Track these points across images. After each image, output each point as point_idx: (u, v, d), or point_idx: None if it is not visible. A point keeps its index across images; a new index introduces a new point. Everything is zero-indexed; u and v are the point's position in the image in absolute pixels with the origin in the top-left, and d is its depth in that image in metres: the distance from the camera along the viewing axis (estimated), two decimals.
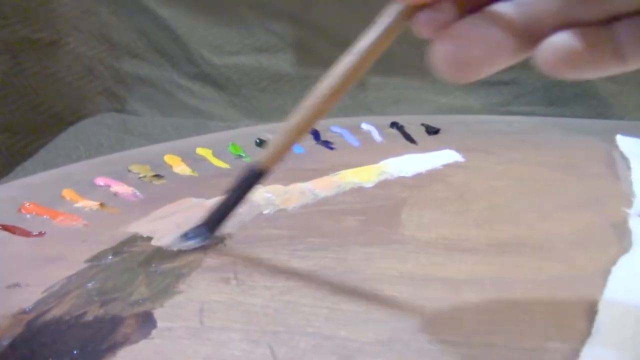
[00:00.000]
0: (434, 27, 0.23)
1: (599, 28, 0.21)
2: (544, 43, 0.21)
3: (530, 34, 0.21)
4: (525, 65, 0.64)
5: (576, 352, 0.26)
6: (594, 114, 0.66)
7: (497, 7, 0.22)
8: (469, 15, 0.22)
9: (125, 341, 0.27)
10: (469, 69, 0.22)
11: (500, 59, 0.22)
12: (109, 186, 0.43)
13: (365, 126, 0.56)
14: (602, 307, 0.29)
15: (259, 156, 0.31)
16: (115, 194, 0.42)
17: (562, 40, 0.20)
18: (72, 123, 0.63)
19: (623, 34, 0.20)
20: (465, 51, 0.22)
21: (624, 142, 0.52)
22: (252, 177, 0.32)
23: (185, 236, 0.34)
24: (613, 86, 0.66)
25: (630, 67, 0.21)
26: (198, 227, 0.34)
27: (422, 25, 0.23)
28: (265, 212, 0.39)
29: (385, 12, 0.25)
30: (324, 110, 0.29)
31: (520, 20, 0.21)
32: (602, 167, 0.48)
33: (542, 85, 0.67)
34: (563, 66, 0.21)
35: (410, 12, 0.24)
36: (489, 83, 0.68)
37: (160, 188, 0.43)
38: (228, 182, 0.39)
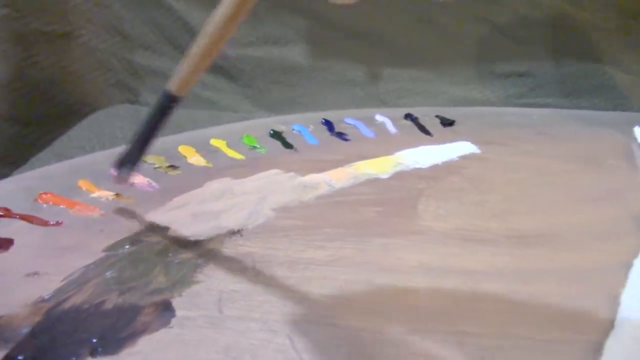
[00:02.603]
0: None
1: None
2: None
3: None
4: (541, 57, 0.63)
5: (596, 344, 0.26)
6: (611, 106, 0.65)
7: None
8: None
9: (145, 329, 0.27)
10: None
11: None
12: None
13: (379, 118, 0.56)
14: (624, 299, 0.29)
15: (169, 82, 0.33)
16: (131, 184, 0.42)
17: None
18: (85, 115, 0.63)
19: None
20: None
21: None
22: (166, 101, 0.33)
23: (114, 169, 0.35)
24: (630, 78, 0.65)
25: None
26: (121, 160, 0.35)
27: None
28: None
29: None
30: (224, 36, 0.30)
31: None
32: (620, 160, 0.48)
33: (559, 77, 0.66)
34: None
35: None
36: (504, 75, 0.67)
37: (175, 178, 0.43)
38: (242, 173, 0.39)
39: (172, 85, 0.33)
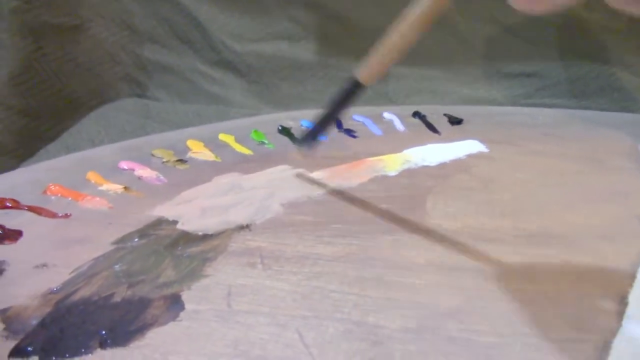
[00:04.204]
0: None
1: None
2: None
3: None
4: (549, 57, 0.63)
5: (606, 343, 0.26)
6: (618, 107, 0.65)
7: None
8: None
9: (154, 323, 0.27)
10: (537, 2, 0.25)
11: None
12: (133, 170, 0.43)
13: (387, 115, 0.56)
14: (632, 300, 0.29)
15: (357, 68, 0.34)
16: (139, 178, 0.42)
17: None
18: (93, 108, 0.63)
19: None
20: None
21: None
22: (352, 87, 0.34)
23: (297, 141, 0.40)
24: (637, 79, 0.65)
25: None
26: (303, 136, 0.38)
27: None
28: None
29: None
30: (414, 33, 0.31)
31: None
32: (626, 161, 0.47)
33: (566, 77, 0.66)
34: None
35: None
36: (511, 75, 0.67)
37: (184, 173, 0.43)
38: (250, 168, 0.39)
39: (360, 74, 0.34)
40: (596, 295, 0.30)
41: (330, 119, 0.37)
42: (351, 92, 0.35)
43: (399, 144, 0.48)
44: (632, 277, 0.31)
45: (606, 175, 0.45)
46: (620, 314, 0.28)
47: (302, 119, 0.54)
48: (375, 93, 0.67)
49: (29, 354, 0.25)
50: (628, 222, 0.37)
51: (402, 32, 0.32)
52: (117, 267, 0.31)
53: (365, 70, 0.34)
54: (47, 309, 0.28)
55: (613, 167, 0.46)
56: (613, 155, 0.48)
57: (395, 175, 0.43)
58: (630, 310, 0.28)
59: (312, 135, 0.37)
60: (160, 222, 0.36)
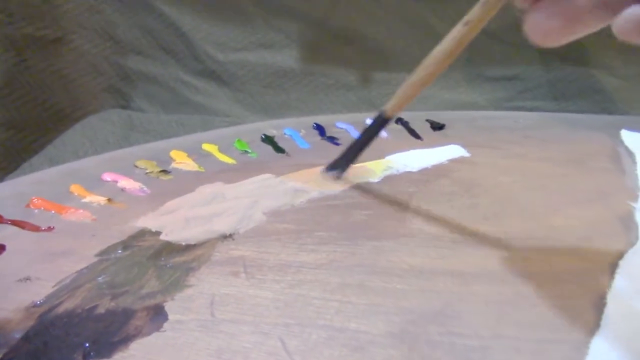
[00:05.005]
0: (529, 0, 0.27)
1: None
2: (621, 14, 0.24)
3: (608, 8, 0.25)
4: (530, 60, 0.63)
5: (584, 343, 0.26)
6: (599, 109, 0.66)
7: None
8: None
9: (138, 333, 0.27)
10: (554, 36, 0.27)
11: (579, 29, 0.26)
12: (116, 181, 0.43)
13: (370, 122, 0.56)
14: (610, 300, 0.29)
15: (386, 105, 0.39)
16: (123, 189, 0.42)
17: (637, 12, 0.24)
18: (77, 120, 0.63)
19: None
20: (551, 22, 0.26)
21: (628, 136, 0.53)
22: (379, 121, 0.40)
23: (326, 169, 0.43)
24: (617, 81, 0.66)
25: None
26: (333, 163, 0.43)
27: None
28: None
29: None
30: (439, 69, 0.35)
31: None
32: (607, 162, 0.48)
33: (546, 80, 0.67)
34: (638, 34, 0.24)
35: None
36: (493, 78, 0.68)
37: (167, 183, 0.44)
38: (233, 177, 0.40)
39: (388, 108, 0.39)
40: (575, 297, 0.30)
41: (360, 148, 0.42)
42: (379, 125, 0.40)
43: (381, 150, 0.49)
44: (611, 278, 0.31)
45: (588, 177, 0.45)
46: (599, 315, 0.28)
47: (285, 127, 0.54)
48: (359, 99, 0.67)
49: None
50: (609, 223, 0.38)
51: (426, 68, 0.35)
52: (100, 278, 0.31)
53: (392, 104, 0.39)
54: (31, 323, 0.28)
55: (594, 168, 0.47)
56: (594, 157, 0.49)
57: (378, 182, 0.43)
58: (607, 311, 0.29)
59: (341, 163, 0.43)
60: (143, 233, 0.36)
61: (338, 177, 0.43)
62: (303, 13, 0.66)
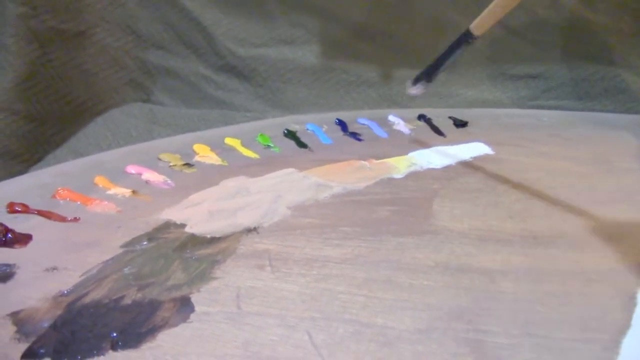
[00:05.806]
0: None
1: None
2: None
3: None
4: (554, 59, 0.63)
5: (615, 342, 0.26)
6: (623, 109, 0.65)
7: None
8: None
9: (165, 324, 0.27)
10: None
11: None
12: (140, 174, 0.43)
13: (392, 118, 0.56)
14: None
15: (472, 23, 0.41)
16: (147, 182, 0.42)
17: None
18: (98, 113, 0.63)
19: None
20: None
21: None
22: (465, 36, 0.42)
23: (411, 82, 0.46)
24: None
25: None
26: (419, 76, 0.45)
27: None
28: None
29: None
30: None
31: None
32: (632, 162, 0.48)
33: (571, 79, 0.66)
34: None
35: None
36: (516, 76, 0.67)
37: (191, 177, 0.44)
38: (257, 171, 0.39)
39: (473, 25, 0.41)
40: (604, 296, 0.30)
41: (444, 61, 0.44)
42: (464, 41, 0.42)
43: (404, 146, 0.49)
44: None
45: (614, 177, 0.45)
46: (629, 314, 0.28)
47: (307, 122, 0.54)
48: (380, 96, 0.67)
49: (41, 357, 0.25)
50: (636, 223, 0.37)
51: None
52: (126, 270, 0.31)
53: (477, 23, 0.41)
54: (58, 312, 0.28)
55: (620, 168, 0.47)
56: (620, 156, 0.49)
57: (402, 178, 0.43)
58: (639, 310, 0.28)
59: (428, 74, 0.45)
60: (168, 226, 0.36)
61: (424, 88, 0.45)
62: (324, 9, 0.66)
